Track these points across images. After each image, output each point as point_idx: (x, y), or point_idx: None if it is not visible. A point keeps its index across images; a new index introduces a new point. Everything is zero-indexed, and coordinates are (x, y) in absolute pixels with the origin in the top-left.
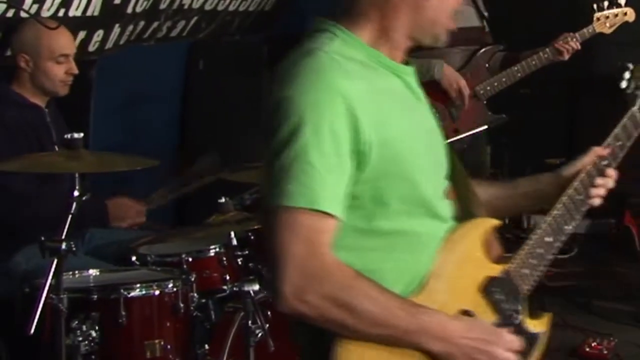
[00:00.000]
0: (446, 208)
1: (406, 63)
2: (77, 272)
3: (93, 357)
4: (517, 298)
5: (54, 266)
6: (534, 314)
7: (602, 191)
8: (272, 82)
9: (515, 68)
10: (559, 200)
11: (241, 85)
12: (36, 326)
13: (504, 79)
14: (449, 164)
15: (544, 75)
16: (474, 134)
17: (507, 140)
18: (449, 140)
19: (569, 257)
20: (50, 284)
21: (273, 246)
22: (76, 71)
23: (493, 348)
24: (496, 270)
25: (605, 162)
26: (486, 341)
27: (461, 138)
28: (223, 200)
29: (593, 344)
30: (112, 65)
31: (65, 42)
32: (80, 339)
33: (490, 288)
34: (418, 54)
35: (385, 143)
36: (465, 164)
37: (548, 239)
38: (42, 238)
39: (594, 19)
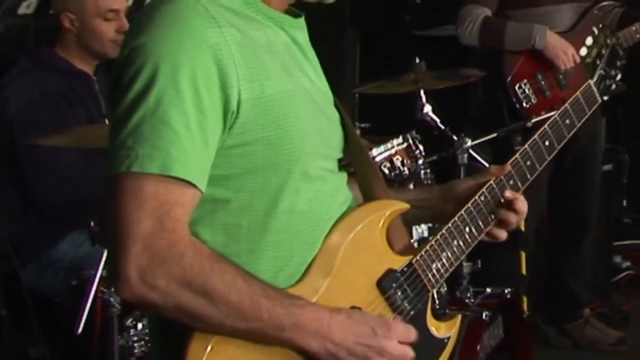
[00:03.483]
0: (338, 184)
1: (298, 15)
2: None
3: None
4: (421, 296)
5: (104, 256)
6: (443, 315)
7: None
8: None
9: (634, 28)
10: (485, 185)
11: None
12: (85, 325)
13: (620, 41)
14: (345, 136)
15: None
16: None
17: (625, 110)
18: (555, 113)
19: None
20: (101, 276)
21: (115, 220)
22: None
23: (382, 342)
24: (398, 261)
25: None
26: (373, 335)
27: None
28: None
29: None
30: None
31: None
32: (135, 339)
33: (388, 282)
34: (520, 12)
35: (259, 102)
36: (578, 139)
37: (466, 230)
38: (92, 223)
39: None
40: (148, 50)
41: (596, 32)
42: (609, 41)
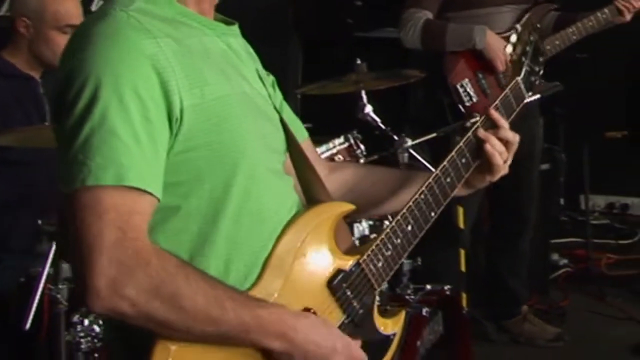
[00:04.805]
0: (285, 186)
1: (231, 23)
2: None
3: (96, 355)
4: (369, 294)
5: (52, 253)
6: (387, 312)
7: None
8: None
9: (571, 30)
10: (424, 184)
11: None
12: (33, 321)
13: (557, 42)
14: (286, 138)
15: (605, 37)
16: (524, 104)
17: (562, 111)
18: (492, 105)
19: (632, 242)
20: (48, 273)
21: (77, 235)
22: None
23: (339, 358)
24: (346, 262)
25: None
26: (333, 349)
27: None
28: None
29: None
30: None
31: (74, 11)
32: (82, 335)
33: (338, 283)
34: (460, 14)
35: (200, 108)
36: None
37: (408, 228)
38: (39, 221)
39: None
40: (88, 66)
41: (519, 29)
42: (531, 38)
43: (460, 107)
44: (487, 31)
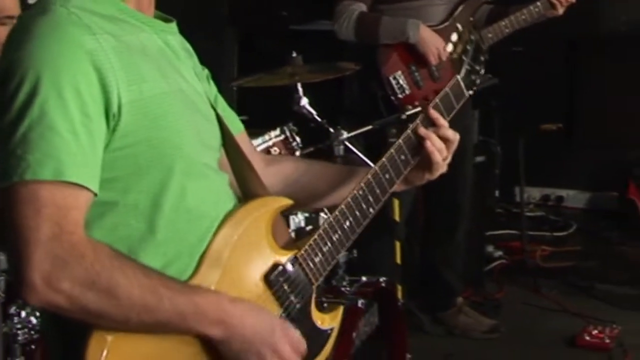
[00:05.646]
0: (221, 182)
1: (169, 20)
2: None
3: (33, 346)
4: (306, 289)
5: None
6: (324, 308)
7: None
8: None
9: (503, 23)
10: (363, 179)
11: None
12: None
13: (490, 35)
14: (221, 134)
15: (540, 31)
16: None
17: (497, 104)
18: (431, 104)
19: (566, 234)
20: None
21: (14, 229)
22: None
23: (277, 342)
24: (283, 256)
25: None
26: (271, 332)
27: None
28: None
29: (594, 332)
30: None
31: (10, 3)
32: (19, 326)
33: (275, 277)
34: (394, 7)
35: (138, 105)
36: None
37: (346, 224)
38: None
39: None
40: (28, 60)
41: (460, 28)
42: (472, 37)
43: (393, 99)
44: (421, 25)
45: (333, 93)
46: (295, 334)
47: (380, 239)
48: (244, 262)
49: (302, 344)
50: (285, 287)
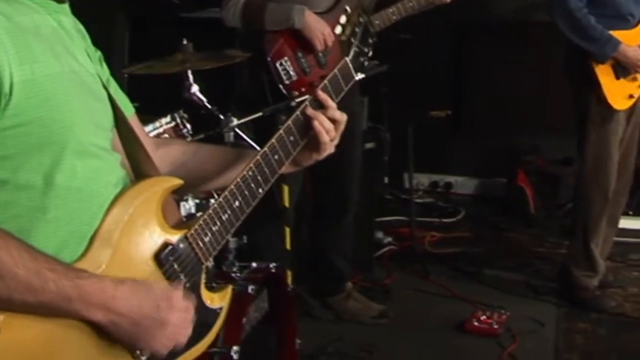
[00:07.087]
0: (113, 162)
1: (62, 1)
2: None
3: None
4: (196, 268)
5: None
6: (213, 287)
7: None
8: None
9: (390, 10)
10: (252, 160)
11: None
12: None
13: (377, 22)
14: (114, 115)
15: (428, 19)
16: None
17: (386, 90)
18: (320, 85)
19: (455, 220)
20: None
21: None
22: None
23: (164, 314)
24: (174, 236)
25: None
26: (156, 308)
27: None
28: None
29: (482, 317)
30: None
31: None
32: None
33: (165, 256)
34: None
35: (30, 84)
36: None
37: (235, 204)
38: None
39: None
40: None
41: (349, 10)
42: (361, 19)
43: (280, 85)
44: (306, 11)
45: (224, 80)
46: (180, 300)
47: (269, 225)
48: (134, 242)
49: (190, 306)
50: (175, 265)
